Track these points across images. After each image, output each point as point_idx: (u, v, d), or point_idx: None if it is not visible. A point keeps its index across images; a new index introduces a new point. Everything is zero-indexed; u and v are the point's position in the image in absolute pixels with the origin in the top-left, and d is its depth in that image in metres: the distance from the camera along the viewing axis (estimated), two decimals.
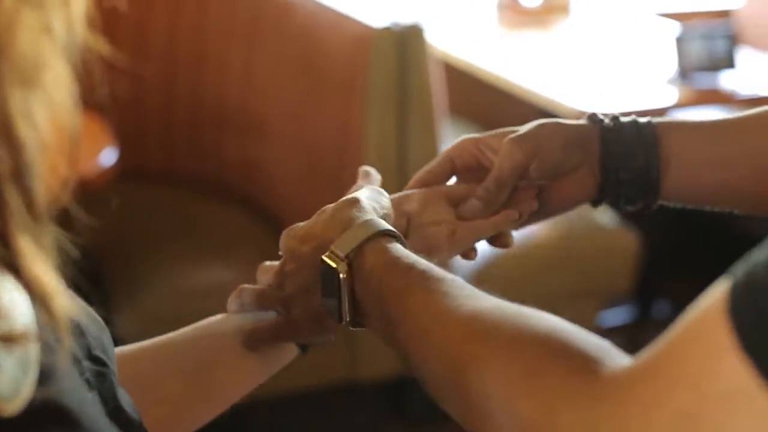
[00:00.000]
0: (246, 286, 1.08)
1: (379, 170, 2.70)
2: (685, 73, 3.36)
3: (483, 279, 2.88)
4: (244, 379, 1.06)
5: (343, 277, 0.94)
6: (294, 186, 3.06)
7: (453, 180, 1.16)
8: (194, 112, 3.32)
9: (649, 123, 1.12)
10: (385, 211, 1.02)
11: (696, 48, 3.36)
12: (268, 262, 1.09)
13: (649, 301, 3.78)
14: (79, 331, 0.76)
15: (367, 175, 1.13)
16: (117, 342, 2.93)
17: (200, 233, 3.16)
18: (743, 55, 3.51)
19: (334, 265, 0.95)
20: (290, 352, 1.08)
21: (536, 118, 3.60)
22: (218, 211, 3.26)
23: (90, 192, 2.63)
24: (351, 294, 0.95)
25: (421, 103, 2.77)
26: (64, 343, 0.65)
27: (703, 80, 3.37)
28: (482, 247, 2.79)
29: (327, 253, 0.96)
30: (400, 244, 0.96)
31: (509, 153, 1.09)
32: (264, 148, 3.17)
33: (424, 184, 1.14)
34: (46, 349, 0.66)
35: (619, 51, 3.72)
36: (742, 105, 3.76)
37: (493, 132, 1.13)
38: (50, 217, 0.65)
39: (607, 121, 1.12)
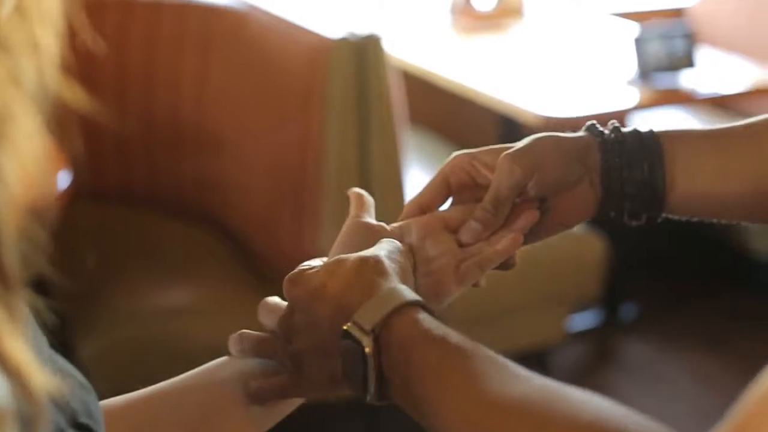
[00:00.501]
0: (246, 332, 1.02)
1: (340, 181, 2.70)
2: (645, 74, 3.36)
3: None
4: (246, 429, 1.01)
5: (369, 353, 0.89)
6: (255, 201, 3.03)
7: (448, 202, 1.12)
8: (147, 129, 3.27)
9: (651, 133, 1.08)
10: (402, 265, 0.98)
11: (655, 48, 3.36)
12: (270, 299, 1.03)
13: (617, 304, 3.78)
14: (61, 399, 0.72)
15: (360, 201, 1.08)
16: (79, 368, 2.86)
17: (160, 254, 3.12)
18: (701, 53, 3.51)
19: (359, 338, 0.90)
20: (296, 401, 1.03)
21: (496, 123, 3.60)
22: (178, 230, 3.22)
23: (44, 216, 2.58)
24: (377, 369, 0.90)
25: (381, 113, 2.75)
26: (43, 420, 0.61)
27: (664, 80, 3.37)
28: None
29: (350, 324, 0.91)
30: (427, 312, 0.91)
31: (506, 170, 1.05)
32: (222, 163, 3.13)
33: (422, 207, 1.09)
34: (25, 425, 0.62)
35: (576, 53, 3.72)
36: (704, 104, 3.77)
37: (488, 148, 1.09)
38: (23, 283, 0.60)
39: (607, 132, 1.08)
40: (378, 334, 0.90)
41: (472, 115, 3.87)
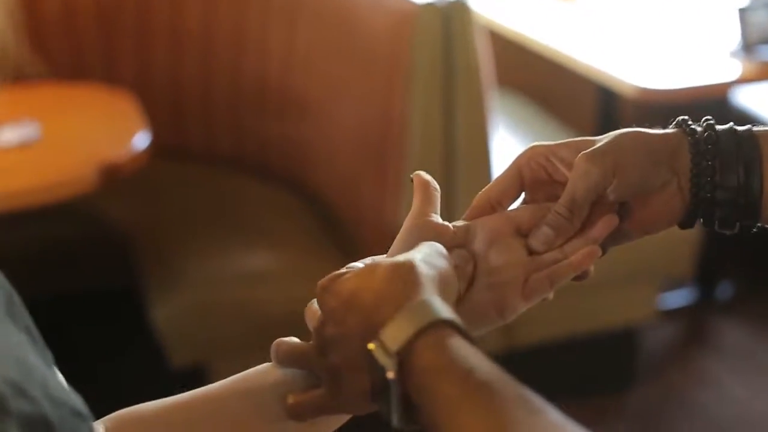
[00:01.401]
0: (284, 340, 0.94)
1: (424, 149, 2.66)
2: (749, 46, 3.26)
3: None
4: None
5: (393, 379, 0.82)
6: (338, 166, 3.02)
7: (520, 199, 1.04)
8: (234, 91, 3.29)
9: (749, 132, 0.99)
10: (444, 277, 0.89)
11: (761, 18, 3.26)
12: (316, 304, 0.94)
13: (712, 283, 3.70)
14: (45, 430, 0.69)
15: (425, 192, 1.00)
16: (150, 334, 2.87)
17: (242, 216, 3.12)
18: None
19: (381, 362, 0.82)
20: (339, 418, 0.96)
21: (592, 93, 3.53)
22: (261, 193, 3.22)
23: (122, 177, 2.60)
24: (402, 395, 0.82)
25: (467, 79, 2.71)
26: None
27: None
28: None
29: (375, 343, 0.83)
30: (460, 332, 0.82)
31: (584, 171, 0.97)
32: (306, 127, 3.13)
33: (491, 202, 1.01)
34: None
35: (677, 22, 3.63)
36: None
37: (567, 141, 1.01)
38: None
39: (699, 130, 1.00)
40: (403, 357, 0.81)
41: (566, 82, 3.80)
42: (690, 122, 1.00)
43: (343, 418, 0.96)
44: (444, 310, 0.83)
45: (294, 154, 3.20)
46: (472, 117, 2.73)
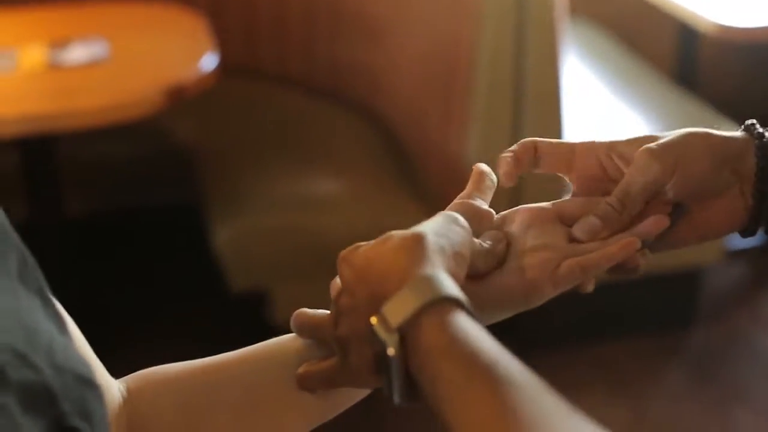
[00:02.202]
0: (302, 311, 0.93)
1: (493, 80, 2.65)
2: None
3: None
4: (303, 418, 0.95)
5: (393, 355, 0.80)
6: (406, 92, 3.02)
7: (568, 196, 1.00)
8: (308, 12, 3.29)
9: None
10: (457, 249, 0.87)
11: None
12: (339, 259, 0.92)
13: None
14: (47, 398, 0.69)
15: (479, 180, 1.00)
16: (213, 256, 2.92)
17: (308, 139, 3.14)
18: None
19: (382, 337, 0.81)
20: (356, 393, 0.95)
21: (670, 27, 3.47)
22: (329, 117, 3.23)
23: (188, 98, 2.62)
24: (403, 372, 0.80)
25: (540, 9, 2.68)
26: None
27: None
28: None
29: (377, 317, 0.81)
30: (465, 310, 0.80)
31: (644, 165, 0.94)
32: (376, 53, 3.13)
33: (537, 150, 0.99)
34: None
35: None
36: None
37: (630, 138, 0.98)
38: None
39: None
40: (405, 333, 0.80)
41: (645, 15, 3.75)
42: (758, 126, 0.97)
43: (362, 393, 0.95)
44: (449, 286, 0.81)
45: (364, 80, 3.20)
46: (543, 45, 2.71)
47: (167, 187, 3.35)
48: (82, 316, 3.02)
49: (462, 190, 2.74)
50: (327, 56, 3.30)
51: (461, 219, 0.90)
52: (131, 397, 0.93)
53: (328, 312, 0.90)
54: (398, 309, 0.80)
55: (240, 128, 3.19)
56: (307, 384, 0.92)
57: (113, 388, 0.92)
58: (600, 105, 3.25)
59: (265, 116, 3.24)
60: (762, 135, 0.96)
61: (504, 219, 0.97)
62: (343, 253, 0.89)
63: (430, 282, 0.81)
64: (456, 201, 0.98)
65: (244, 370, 0.94)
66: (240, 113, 3.26)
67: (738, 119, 3.25)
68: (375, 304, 0.82)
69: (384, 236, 0.87)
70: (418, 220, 2.88)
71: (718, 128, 0.97)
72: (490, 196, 0.99)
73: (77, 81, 2.58)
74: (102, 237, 3.39)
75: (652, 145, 0.95)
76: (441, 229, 0.87)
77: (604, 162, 0.98)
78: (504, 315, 0.94)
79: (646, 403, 2.92)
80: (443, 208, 2.88)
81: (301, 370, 0.92)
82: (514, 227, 0.96)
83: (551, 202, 0.98)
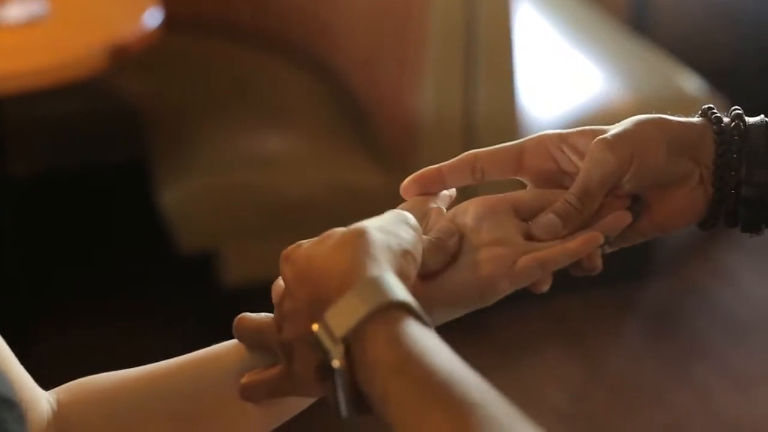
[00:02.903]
0: (245, 316, 0.89)
1: (446, 29, 2.63)
2: None
3: None
4: (248, 429, 0.91)
5: (338, 367, 0.75)
6: (358, 42, 2.99)
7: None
8: None
9: None
10: (406, 247, 0.82)
11: None
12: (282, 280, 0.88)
13: None
14: None
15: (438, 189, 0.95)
16: (159, 220, 2.89)
17: (258, 93, 3.10)
18: None
19: (326, 346, 0.76)
20: (300, 401, 0.91)
21: None
22: (279, 70, 3.19)
23: (132, 56, 2.59)
24: (351, 385, 0.76)
25: None
26: None
27: None
28: (555, 115, 2.61)
29: (319, 324, 0.77)
30: (418, 318, 0.75)
31: (599, 158, 0.91)
32: (328, 2, 3.10)
33: (477, 163, 0.94)
34: None
35: None
36: None
37: (581, 129, 0.94)
38: None
39: (726, 120, 0.93)
40: (350, 344, 0.75)
41: None
42: (716, 111, 0.94)
43: (307, 401, 0.91)
44: (398, 290, 0.76)
45: (315, 31, 3.16)
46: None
47: (114, 146, 3.31)
48: (25, 276, 2.96)
49: (415, 143, 2.71)
50: (276, 7, 3.26)
51: (410, 217, 0.86)
52: (61, 410, 0.89)
53: (272, 316, 0.86)
54: (342, 316, 0.76)
55: (189, 84, 3.16)
56: (251, 395, 0.88)
57: (41, 401, 0.89)
58: (553, 53, 3.24)
59: (215, 71, 3.21)
60: (720, 120, 0.93)
61: (456, 212, 0.93)
62: (285, 251, 0.84)
63: (376, 285, 0.76)
64: (410, 200, 0.94)
65: (182, 380, 0.90)
66: (189, 68, 3.22)
67: (693, 65, 3.27)
68: (317, 308, 0.78)
69: (325, 233, 0.83)
70: (372, 176, 2.88)
71: (672, 114, 0.94)
72: (446, 204, 0.95)
73: (15, 41, 2.55)
74: (48, 196, 3.36)
75: (606, 135, 0.92)
76: (388, 226, 0.83)
77: (555, 155, 0.95)
78: (456, 314, 0.90)
79: (603, 358, 2.93)
80: (397, 163, 2.87)
81: (244, 380, 0.88)
82: (467, 219, 0.91)
83: (505, 193, 0.94)
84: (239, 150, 2.87)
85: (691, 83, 3.03)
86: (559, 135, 0.94)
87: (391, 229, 0.82)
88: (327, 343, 0.76)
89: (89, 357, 2.84)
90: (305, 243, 0.83)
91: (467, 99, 2.71)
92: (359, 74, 3.00)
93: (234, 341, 0.90)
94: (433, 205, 0.93)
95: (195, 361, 0.91)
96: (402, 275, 0.79)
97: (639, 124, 0.93)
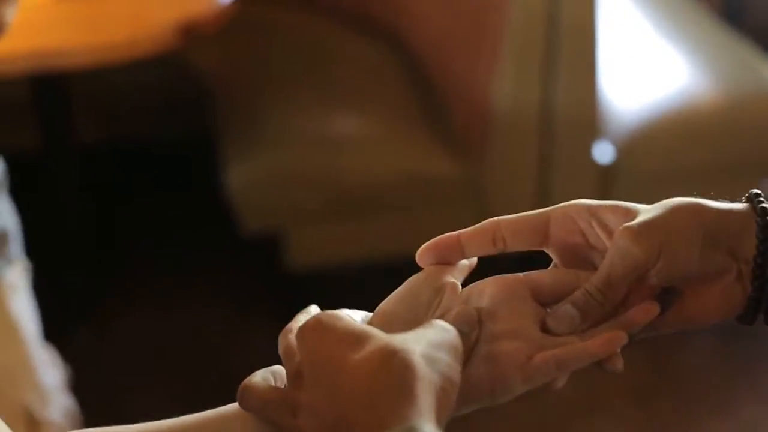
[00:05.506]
0: (250, 385, 0.83)
1: (527, 19, 2.64)
2: None
3: (639, 143, 2.85)
4: None
5: None
6: (435, 25, 3.02)
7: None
8: None
9: None
10: (449, 375, 0.77)
11: None
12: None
13: None
14: None
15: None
16: (223, 198, 2.94)
17: (331, 70, 3.14)
18: None
19: None
20: None
21: None
22: (355, 45, 3.23)
23: (206, 33, 2.64)
24: None
25: None
26: None
27: None
28: (638, 108, 2.60)
29: None
30: None
31: (624, 249, 0.86)
32: None
33: (499, 233, 0.91)
34: None
35: None
36: None
37: (612, 205, 0.90)
38: None
39: None
40: None
41: None
42: (763, 200, 0.88)
43: None
44: None
45: (393, 7, 3.20)
46: None
47: (183, 122, 3.38)
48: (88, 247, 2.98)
49: (489, 132, 2.76)
50: None
51: (454, 335, 0.82)
52: None
53: (281, 387, 0.83)
54: None
55: (261, 59, 3.19)
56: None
57: None
58: (639, 43, 3.25)
59: (288, 46, 3.24)
60: (766, 211, 0.87)
61: (471, 292, 0.89)
62: (304, 327, 0.80)
63: None
64: (425, 270, 0.91)
65: None
66: (261, 42, 3.25)
67: None
68: (339, 427, 0.75)
69: (360, 332, 0.78)
70: (443, 164, 2.94)
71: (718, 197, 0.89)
72: (464, 275, 0.92)
73: (88, 13, 2.60)
74: (114, 169, 3.45)
75: (633, 224, 0.87)
76: (432, 350, 0.78)
77: (584, 229, 0.91)
78: (460, 412, 0.85)
79: (669, 361, 2.95)
80: (470, 152, 2.92)
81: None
82: (483, 303, 0.88)
83: (524, 273, 0.90)
84: (309, 130, 2.91)
85: None
86: (588, 208, 0.90)
87: (435, 355, 0.78)
88: None
89: (149, 337, 2.94)
90: (328, 326, 0.79)
91: (546, 89, 2.72)
92: (436, 57, 3.02)
93: (237, 409, 0.85)
94: (450, 279, 0.90)
95: (200, 424, 0.86)
96: (441, 409, 0.76)
97: (672, 212, 0.87)
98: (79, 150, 2.93)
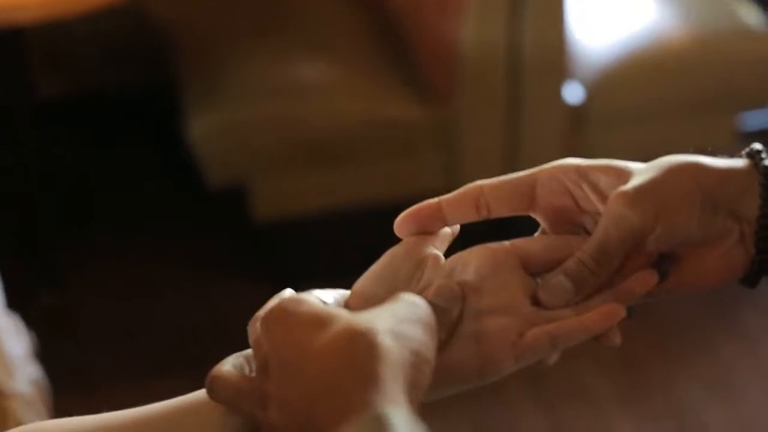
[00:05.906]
0: (219, 375, 0.78)
1: None
2: None
3: (609, 82, 2.83)
4: None
5: None
6: None
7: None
8: None
9: None
10: (420, 351, 0.73)
11: None
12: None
13: None
14: None
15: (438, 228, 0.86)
16: (188, 151, 2.92)
17: (293, 19, 3.10)
18: None
19: None
20: None
21: None
22: None
23: None
24: None
25: None
26: None
27: None
28: (607, 47, 2.60)
29: None
30: None
31: (619, 215, 0.81)
32: None
33: (482, 198, 0.85)
34: None
35: None
36: None
37: (603, 164, 0.85)
38: None
39: None
40: None
41: None
42: (765, 155, 0.84)
43: None
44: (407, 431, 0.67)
45: None
46: None
47: (142, 73, 3.34)
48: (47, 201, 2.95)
49: (456, 76, 2.74)
50: None
51: (424, 308, 0.76)
52: None
53: (252, 376, 0.78)
54: None
55: (222, 5, 3.15)
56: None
57: None
58: None
59: None
60: None
61: (455, 264, 0.84)
62: (267, 316, 0.76)
63: (383, 426, 0.67)
64: (404, 240, 0.86)
65: None
66: None
67: None
68: (307, 417, 0.71)
69: (324, 315, 0.74)
70: (409, 109, 2.90)
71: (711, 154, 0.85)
72: (446, 244, 0.87)
73: None
74: (74, 123, 3.41)
75: (627, 188, 0.82)
76: (400, 325, 0.73)
77: (573, 191, 0.85)
78: (446, 393, 0.81)
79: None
80: (436, 96, 2.89)
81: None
82: (468, 276, 0.83)
83: (512, 241, 0.86)
84: (273, 78, 2.88)
85: (752, 15, 3.03)
86: (577, 168, 0.85)
87: (403, 331, 0.73)
88: None
89: (116, 294, 2.91)
90: (290, 311, 0.75)
91: (513, 30, 2.69)
92: (401, 1, 3.00)
93: (204, 394, 0.81)
94: (431, 251, 0.85)
95: (167, 414, 0.82)
96: (414, 387, 0.72)
97: (669, 173, 0.83)
98: (39, 104, 2.88)
